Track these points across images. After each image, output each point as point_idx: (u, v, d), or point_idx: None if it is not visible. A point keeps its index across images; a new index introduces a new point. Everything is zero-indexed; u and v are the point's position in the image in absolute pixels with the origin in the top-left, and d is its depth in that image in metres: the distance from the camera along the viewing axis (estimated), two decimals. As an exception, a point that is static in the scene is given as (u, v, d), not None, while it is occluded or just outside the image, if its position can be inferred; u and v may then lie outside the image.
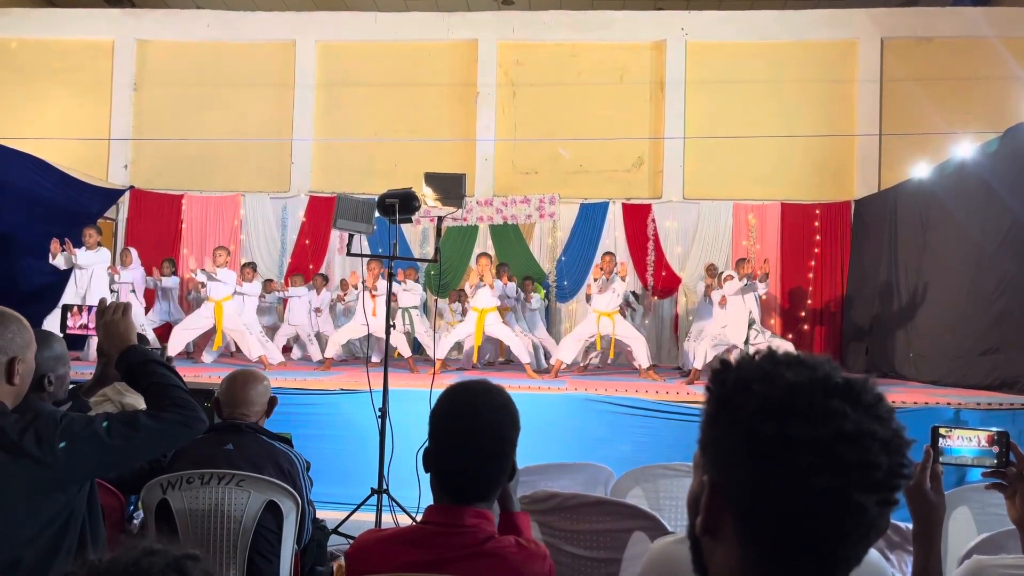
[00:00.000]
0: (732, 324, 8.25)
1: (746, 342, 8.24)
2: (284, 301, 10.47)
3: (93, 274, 8.50)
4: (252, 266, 9.61)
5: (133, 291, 9.53)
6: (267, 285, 10.66)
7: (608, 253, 8.90)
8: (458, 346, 9.25)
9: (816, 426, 0.77)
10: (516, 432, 1.67)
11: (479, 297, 8.51)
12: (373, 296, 8.63)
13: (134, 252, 9.83)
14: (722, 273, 9.09)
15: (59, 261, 8.41)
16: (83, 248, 8.51)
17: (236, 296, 8.88)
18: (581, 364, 9.18)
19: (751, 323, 8.22)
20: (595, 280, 8.57)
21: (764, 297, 9.14)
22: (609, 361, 9.71)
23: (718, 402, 0.85)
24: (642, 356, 8.38)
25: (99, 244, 8.70)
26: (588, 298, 8.75)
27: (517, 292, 10.06)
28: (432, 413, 1.67)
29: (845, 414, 0.78)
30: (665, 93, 11.80)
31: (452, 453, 1.62)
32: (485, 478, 1.63)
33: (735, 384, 0.83)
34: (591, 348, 8.90)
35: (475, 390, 1.68)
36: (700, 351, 8.33)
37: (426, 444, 1.66)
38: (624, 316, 9.14)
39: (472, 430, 1.61)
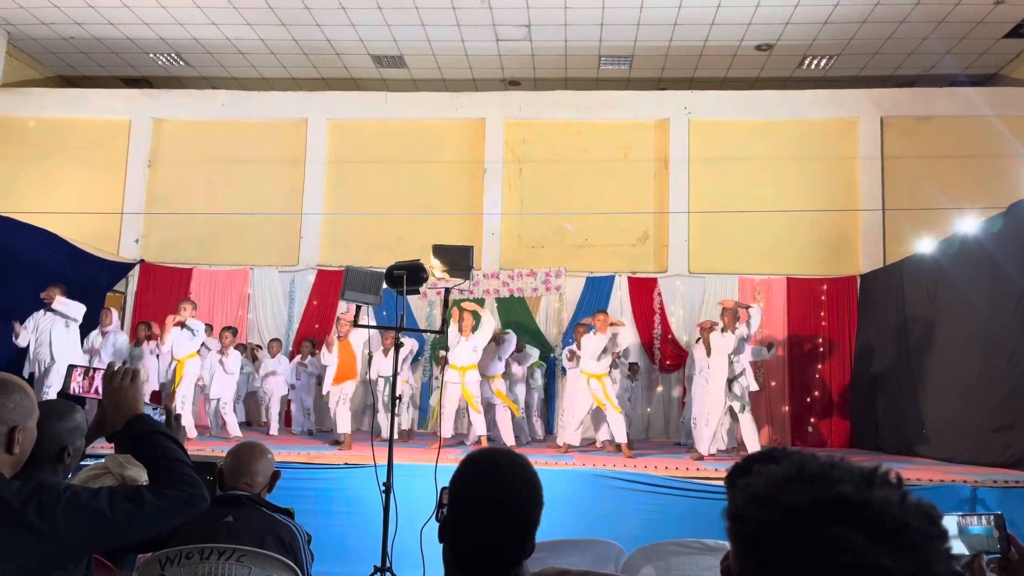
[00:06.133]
0: (712, 392, 8.05)
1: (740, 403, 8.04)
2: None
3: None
4: (232, 331, 9.41)
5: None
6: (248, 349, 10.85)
7: (601, 310, 8.61)
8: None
9: (808, 559, 0.67)
10: (540, 510, 1.59)
11: (457, 354, 8.20)
12: (340, 339, 8.43)
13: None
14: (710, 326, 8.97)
15: (20, 341, 8.54)
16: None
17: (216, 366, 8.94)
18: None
19: (730, 382, 8.01)
20: (582, 336, 8.35)
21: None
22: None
23: (729, 522, 0.78)
24: (619, 430, 8.05)
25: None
26: (565, 367, 8.39)
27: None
28: (452, 481, 1.61)
29: (848, 543, 0.66)
30: (669, 169, 11.99)
31: (472, 529, 1.55)
32: (506, 558, 1.56)
33: (741, 505, 0.76)
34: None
35: (500, 463, 1.60)
36: (705, 437, 8.06)
37: (441, 513, 1.60)
38: (617, 379, 8.88)
39: (496, 509, 1.54)
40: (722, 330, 8.13)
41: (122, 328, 10.22)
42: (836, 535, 0.67)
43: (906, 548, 0.67)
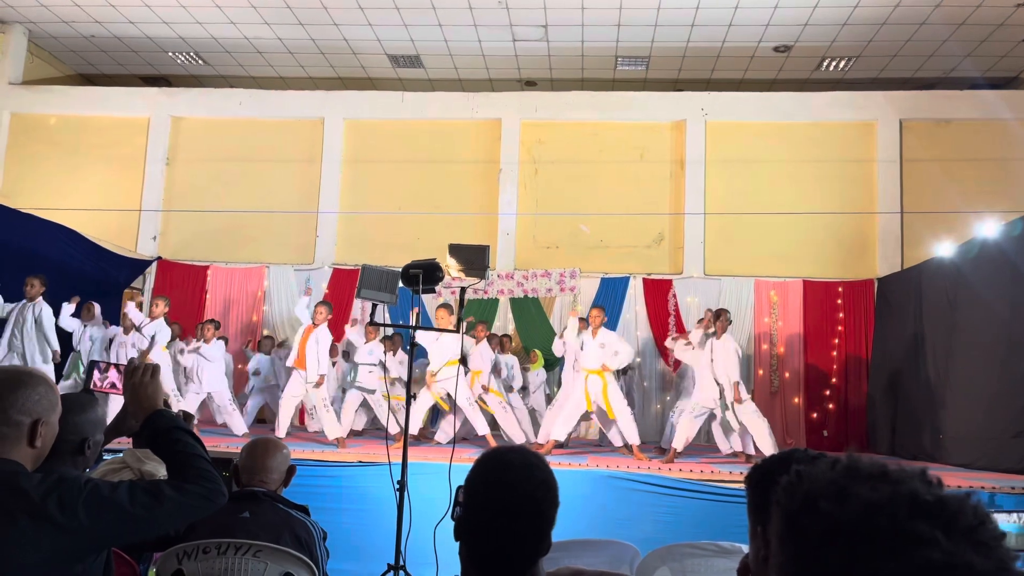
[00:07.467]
0: (704, 388, 7.82)
1: (723, 407, 7.81)
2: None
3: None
4: (215, 324, 9.31)
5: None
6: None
7: (596, 306, 8.36)
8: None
9: (896, 557, 0.65)
10: (555, 510, 1.59)
11: (436, 353, 8.07)
12: (315, 325, 8.31)
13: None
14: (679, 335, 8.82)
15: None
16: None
17: (203, 362, 8.85)
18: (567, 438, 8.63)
19: (722, 387, 7.74)
20: (579, 333, 8.10)
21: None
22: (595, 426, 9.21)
23: (785, 521, 0.75)
24: (627, 432, 7.77)
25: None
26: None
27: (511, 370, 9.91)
28: (467, 481, 1.60)
29: (934, 541, 0.65)
30: (685, 171, 11.94)
31: (486, 528, 1.54)
32: (520, 557, 1.55)
33: (803, 501, 0.73)
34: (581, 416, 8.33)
35: (515, 462, 1.59)
36: (681, 431, 7.77)
37: (456, 511, 1.60)
38: (618, 377, 8.65)
39: (509, 508, 1.53)
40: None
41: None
42: (921, 532, 0.66)
43: (984, 546, 0.67)
